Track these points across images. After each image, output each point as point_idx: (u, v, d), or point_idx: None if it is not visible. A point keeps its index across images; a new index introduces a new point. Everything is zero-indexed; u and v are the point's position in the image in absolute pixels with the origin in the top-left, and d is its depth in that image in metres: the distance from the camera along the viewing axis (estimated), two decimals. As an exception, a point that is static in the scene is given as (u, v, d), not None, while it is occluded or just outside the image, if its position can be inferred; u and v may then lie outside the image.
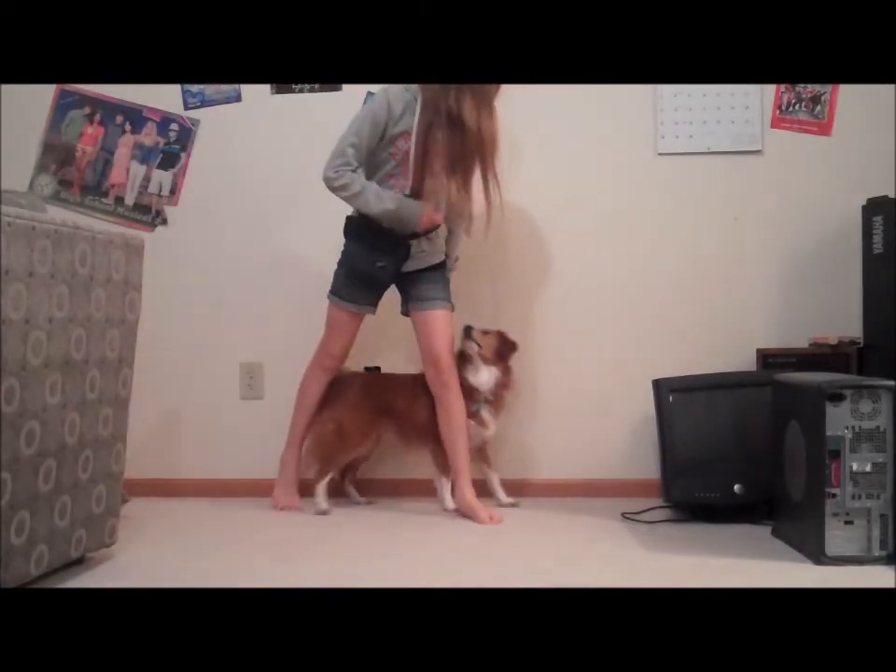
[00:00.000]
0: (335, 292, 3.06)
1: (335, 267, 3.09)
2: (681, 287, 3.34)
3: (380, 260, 2.98)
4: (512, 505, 3.13)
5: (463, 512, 2.98)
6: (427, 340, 3.02)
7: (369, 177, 2.95)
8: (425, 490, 3.27)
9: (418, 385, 3.09)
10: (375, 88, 3.35)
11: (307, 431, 3.17)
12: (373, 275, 3.00)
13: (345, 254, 3.05)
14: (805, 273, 3.32)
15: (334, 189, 2.91)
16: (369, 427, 3.13)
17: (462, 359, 3.09)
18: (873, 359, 3.05)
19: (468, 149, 2.86)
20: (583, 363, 3.36)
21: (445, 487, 3.09)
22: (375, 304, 3.09)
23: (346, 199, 2.94)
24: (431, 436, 3.07)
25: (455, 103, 2.82)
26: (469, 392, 3.06)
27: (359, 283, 3.03)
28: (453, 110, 2.82)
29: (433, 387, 3.02)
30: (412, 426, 3.13)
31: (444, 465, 3.07)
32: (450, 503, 3.07)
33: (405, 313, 3.11)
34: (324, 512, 3.04)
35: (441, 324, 3.02)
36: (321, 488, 3.08)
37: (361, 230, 2.99)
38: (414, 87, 2.91)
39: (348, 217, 3.04)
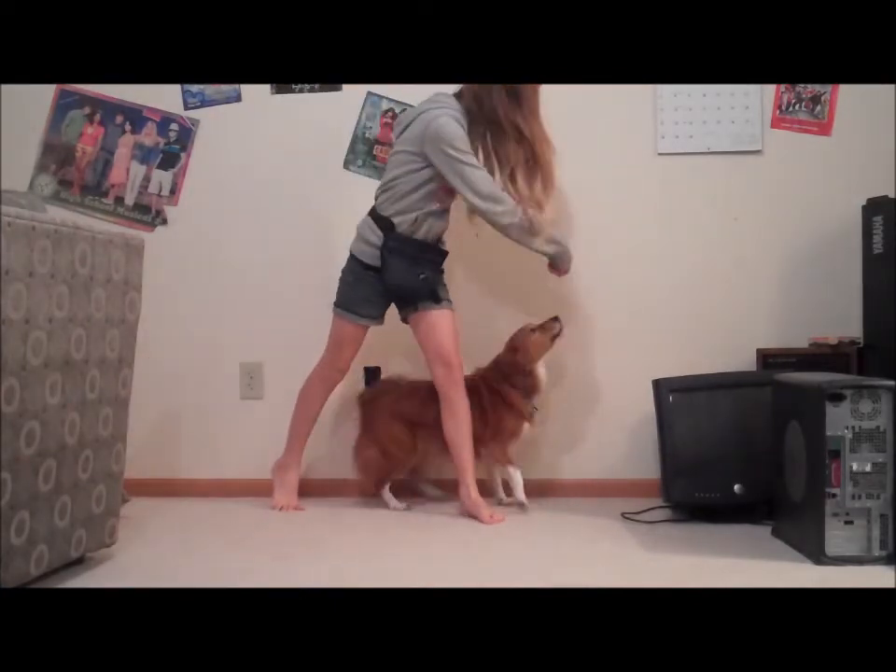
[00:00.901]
0: (348, 308, 3.01)
1: (337, 272, 3.06)
2: (681, 286, 3.34)
3: (423, 272, 2.96)
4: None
5: (468, 511, 2.98)
6: (437, 339, 2.99)
7: (408, 194, 2.92)
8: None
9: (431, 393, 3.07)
10: (375, 88, 3.37)
11: (307, 438, 3.17)
12: (415, 288, 2.97)
13: (386, 270, 2.95)
14: (805, 273, 3.32)
15: (494, 214, 2.87)
16: (411, 442, 3.12)
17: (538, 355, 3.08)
18: (873, 359, 3.05)
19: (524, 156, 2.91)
20: (583, 363, 3.36)
21: (515, 478, 3.06)
22: (384, 315, 3.10)
23: (504, 226, 2.89)
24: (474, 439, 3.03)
25: (499, 109, 2.88)
26: (530, 391, 3.09)
27: (396, 297, 3.01)
28: (508, 118, 2.88)
29: (443, 387, 2.99)
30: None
31: (503, 457, 3.07)
32: (503, 496, 3.14)
33: (405, 319, 3.09)
34: (405, 508, 3.12)
35: (449, 322, 3.02)
36: (387, 493, 3.15)
37: (403, 244, 2.94)
38: (453, 100, 2.92)
39: (387, 235, 2.94)
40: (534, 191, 2.90)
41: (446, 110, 2.87)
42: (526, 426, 3.10)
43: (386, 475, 3.15)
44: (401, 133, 2.96)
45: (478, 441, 3.04)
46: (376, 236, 2.96)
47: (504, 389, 3.07)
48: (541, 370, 3.10)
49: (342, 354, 3.07)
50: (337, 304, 3.05)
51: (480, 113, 2.90)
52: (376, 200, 3.00)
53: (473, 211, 2.95)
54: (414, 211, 2.93)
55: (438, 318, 3.01)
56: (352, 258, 3.03)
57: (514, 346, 3.10)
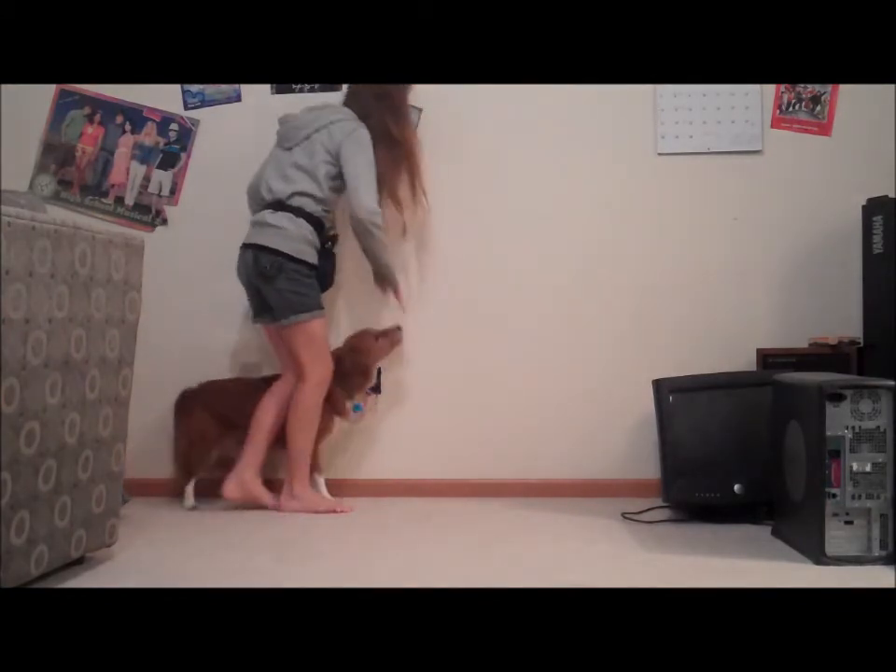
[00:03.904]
0: (318, 306, 3.07)
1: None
2: (681, 286, 3.34)
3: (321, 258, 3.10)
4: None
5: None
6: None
7: (328, 197, 3.07)
8: (425, 490, 3.29)
9: (257, 390, 3.18)
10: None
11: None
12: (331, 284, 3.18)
13: (324, 267, 3.09)
14: (805, 273, 3.32)
15: (373, 226, 2.99)
16: (216, 440, 3.21)
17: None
18: (873, 359, 3.05)
19: (397, 161, 3.12)
20: (583, 363, 3.36)
21: (320, 483, 3.19)
22: None
23: (374, 239, 3.03)
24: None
25: (380, 120, 3.07)
26: (355, 389, 3.22)
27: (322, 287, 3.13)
28: (384, 126, 3.07)
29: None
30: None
31: (313, 464, 3.16)
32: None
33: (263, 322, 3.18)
34: (192, 508, 3.18)
35: None
36: (189, 487, 3.21)
37: (330, 243, 3.13)
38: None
39: (320, 234, 3.07)
40: (406, 192, 3.17)
41: (362, 124, 3.05)
42: (337, 420, 3.20)
43: (193, 465, 3.21)
44: (312, 132, 3.04)
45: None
46: (314, 237, 3.05)
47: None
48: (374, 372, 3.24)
49: (329, 354, 3.14)
50: (309, 309, 3.04)
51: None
52: (292, 199, 3.03)
53: (350, 212, 3.04)
54: (329, 211, 3.10)
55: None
56: (292, 260, 3.01)
57: (355, 350, 3.21)
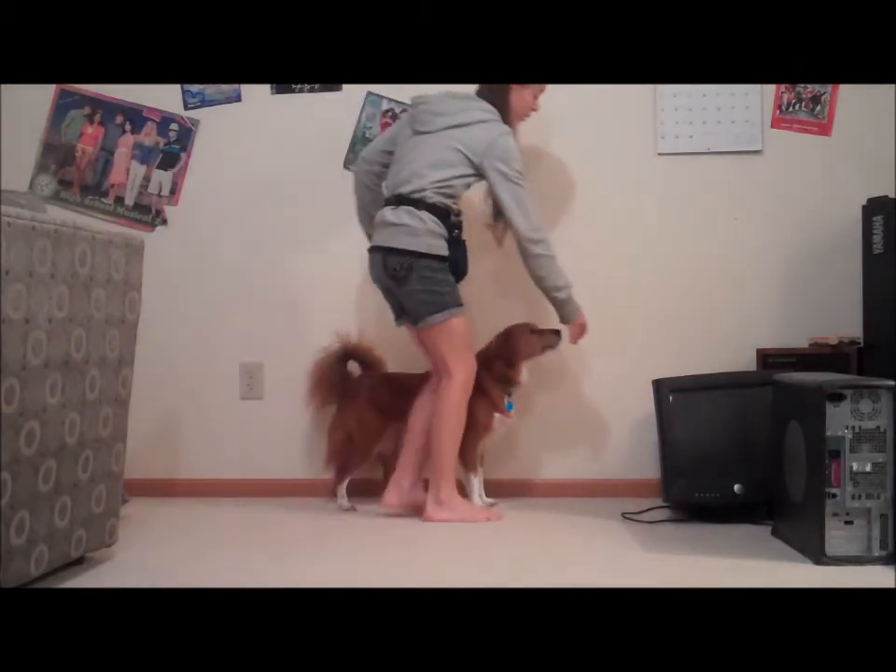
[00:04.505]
0: (457, 304, 2.88)
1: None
2: (681, 286, 3.35)
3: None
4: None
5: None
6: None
7: (458, 194, 2.91)
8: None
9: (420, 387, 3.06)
10: (375, 88, 3.37)
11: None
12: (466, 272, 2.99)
13: (457, 257, 2.89)
14: (805, 273, 3.32)
15: (533, 246, 2.87)
16: (378, 432, 3.11)
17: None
18: (873, 359, 3.05)
19: None
20: (583, 363, 3.36)
21: (474, 484, 3.09)
22: None
23: (534, 262, 2.88)
24: None
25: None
26: (507, 382, 3.08)
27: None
28: None
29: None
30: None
31: (470, 462, 3.06)
32: (478, 500, 3.09)
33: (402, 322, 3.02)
34: (350, 509, 3.09)
35: None
36: (342, 489, 3.12)
37: (460, 230, 2.93)
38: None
39: (446, 223, 2.87)
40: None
41: (506, 127, 2.90)
42: (498, 416, 3.07)
43: (350, 461, 3.12)
44: (451, 126, 2.87)
45: None
46: (440, 227, 2.86)
47: (480, 375, 2.98)
48: (524, 368, 3.09)
49: (471, 352, 2.98)
50: (446, 307, 2.86)
51: None
52: (413, 193, 2.85)
53: (514, 239, 2.91)
54: (454, 198, 2.90)
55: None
56: (422, 256, 2.84)
57: (508, 335, 3.08)
